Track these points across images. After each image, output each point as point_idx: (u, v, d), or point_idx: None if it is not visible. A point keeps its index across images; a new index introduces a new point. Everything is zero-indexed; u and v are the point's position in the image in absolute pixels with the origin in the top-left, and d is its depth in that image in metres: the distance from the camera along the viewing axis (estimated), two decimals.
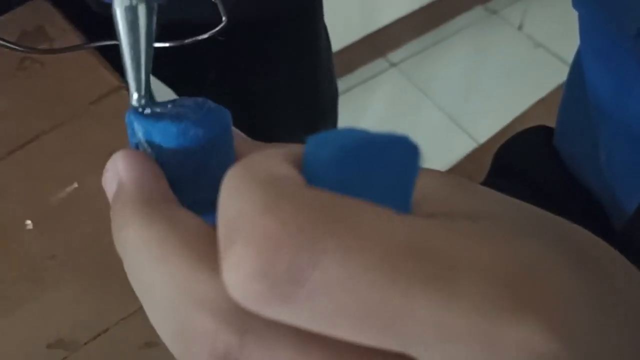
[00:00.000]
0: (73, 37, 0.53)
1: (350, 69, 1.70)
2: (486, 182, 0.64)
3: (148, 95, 0.22)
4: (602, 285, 0.14)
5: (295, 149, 0.16)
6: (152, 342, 0.34)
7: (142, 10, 0.21)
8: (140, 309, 0.35)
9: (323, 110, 0.79)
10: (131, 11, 0.21)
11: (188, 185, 0.21)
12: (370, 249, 0.12)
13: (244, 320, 0.14)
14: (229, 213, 0.13)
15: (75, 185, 0.44)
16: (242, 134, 0.23)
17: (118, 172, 0.19)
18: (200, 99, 0.21)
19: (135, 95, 0.22)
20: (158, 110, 0.21)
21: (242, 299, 0.13)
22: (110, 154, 0.45)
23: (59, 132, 0.48)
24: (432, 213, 0.16)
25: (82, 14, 0.56)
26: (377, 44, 1.73)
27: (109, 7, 0.23)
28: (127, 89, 0.23)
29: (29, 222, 0.41)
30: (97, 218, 0.41)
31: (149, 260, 0.16)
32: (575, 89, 0.53)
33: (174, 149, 0.20)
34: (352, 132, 0.15)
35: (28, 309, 0.36)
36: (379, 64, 1.76)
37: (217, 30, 0.35)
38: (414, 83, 1.71)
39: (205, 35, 0.35)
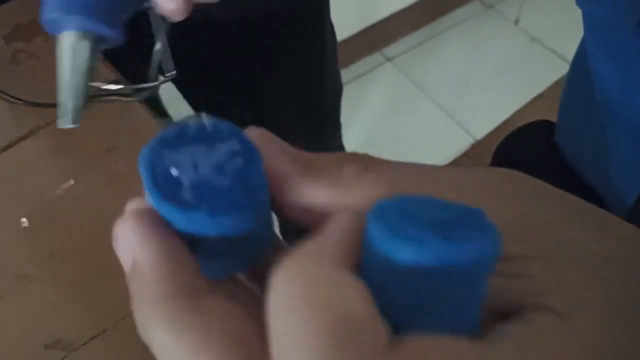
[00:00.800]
0: None
1: (346, 63, 1.69)
2: None
3: (76, 120, 0.23)
4: None
5: (349, 223, 0.15)
6: None
7: (85, 46, 0.24)
8: None
9: (325, 107, 0.78)
10: (75, 46, 0.24)
11: (207, 253, 0.18)
12: None
13: None
14: None
15: (72, 182, 0.43)
16: (278, 144, 0.19)
17: (132, 247, 0.17)
18: (224, 146, 0.18)
19: (61, 120, 0.23)
20: (171, 169, 0.17)
21: None
22: (107, 151, 0.44)
23: (54, 128, 0.47)
24: (515, 254, 0.15)
25: None
26: (373, 39, 1.72)
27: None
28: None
29: (24, 219, 0.41)
30: (94, 215, 0.40)
31: None
32: (578, 86, 0.52)
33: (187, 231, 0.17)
34: (423, 230, 0.14)
35: (25, 309, 0.35)
36: (374, 58, 1.75)
37: (168, 79, 0.36)
38: (409, 77, 1.70)
39: (157, 83, 0.36)
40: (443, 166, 0.19)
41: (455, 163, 0.78)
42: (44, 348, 0.33)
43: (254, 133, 0.19)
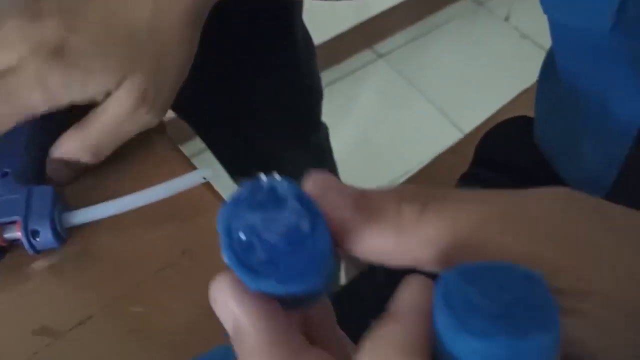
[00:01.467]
0: None
1: (337, 60, 1.70)
2: (469, 173, 0.65)
3: None
4: None
5: (420, 303, 0.17)
6: (137, 329, 0.35)
7: None
8: (124, 295, 0.35)
9: (302, 114, 0.78)
10: None
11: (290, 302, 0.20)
12: None
13: None
14: None
15: None
16: (338, 190, 0.20)
17: (232, 311, 0.19)
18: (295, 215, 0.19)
19: None
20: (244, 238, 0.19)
21: None
22: None
23: None
24: (564, 289, 0.17)
25: None
26: (365, 35, 1.73)
27: None
28: None
29: None
30: (82, 198, 0.41)
31: None
32: (550, 81, 0.53)
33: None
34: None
35: (11, 296, 0.36)
36: (366, 55, 1.76)
37: None
38: (401, 74, 1.71)
39: None
40: (499, 194, 0.20)
41: (441, 158, 0.79)
42: (30, 334, 0.34)
43: (315, 181, 0.20)
